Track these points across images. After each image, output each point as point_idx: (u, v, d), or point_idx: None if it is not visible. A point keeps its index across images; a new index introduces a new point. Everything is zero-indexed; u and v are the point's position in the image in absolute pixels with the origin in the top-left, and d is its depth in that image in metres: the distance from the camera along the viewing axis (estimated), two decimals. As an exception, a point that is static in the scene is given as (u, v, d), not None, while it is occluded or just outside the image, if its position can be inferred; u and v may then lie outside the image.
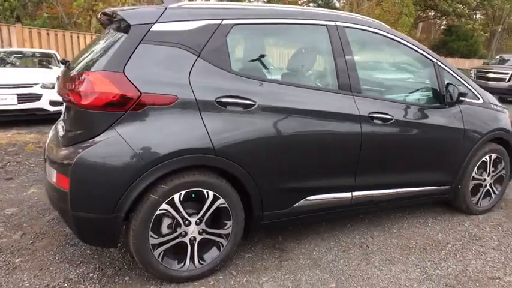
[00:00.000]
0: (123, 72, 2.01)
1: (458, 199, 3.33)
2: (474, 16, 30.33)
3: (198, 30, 2.21)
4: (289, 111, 2.36)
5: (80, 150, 1.98)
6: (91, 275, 2.32)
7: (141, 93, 2.01)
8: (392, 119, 2.70)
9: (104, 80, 1.99)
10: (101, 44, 2.36)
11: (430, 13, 30.94)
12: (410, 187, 2.99)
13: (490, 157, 3.36)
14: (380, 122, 2.66)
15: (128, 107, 2.00)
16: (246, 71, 2.35)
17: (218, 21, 2.26)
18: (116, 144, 1.98)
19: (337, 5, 26.22)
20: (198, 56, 2.17)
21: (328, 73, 2.59)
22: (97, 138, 1.99)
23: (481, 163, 3.32)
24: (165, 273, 2.20)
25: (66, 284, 2.22)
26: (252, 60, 2.45)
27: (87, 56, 2.39)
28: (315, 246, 2.77)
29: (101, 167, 1.98)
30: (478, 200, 3.43)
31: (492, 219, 3.39)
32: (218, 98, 2.16)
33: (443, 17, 30.45)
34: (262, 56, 2.54)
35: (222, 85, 2.20)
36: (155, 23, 2.13)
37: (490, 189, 3.47)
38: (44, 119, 6.69)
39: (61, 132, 2.37)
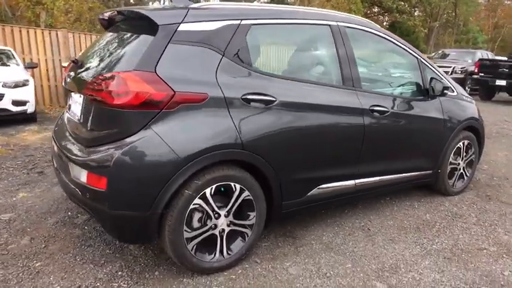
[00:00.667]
0: (155, 72, 2.06)
1: (438, 182, 3.69)
2: (414, 13, 32.28)
3: (221, 30, 2.29)
4: (304, 106, 2.52)
5: (117, 150, 2.00)
6: (120, 273, 2.34)
7: (174, 92, 2.07)
8: (388, 111, 2.96)
9: (139, 79, 2.02)
10: (120, 44, 2.37)
11: (374, 10, 32.48)
12: (402, 173, 3.29)
13: (463, 143, 3.75)
14: (378, 115, 2.90)
15: (162, 106, 2.05)
16: (265, 68, 2.47)
17: (238, 22, 2.36)
18: (153, 142, 2.03)
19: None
20: (223, 55, 2.26)
21: (334, 70, 2.78)
22: (133, 137, 2.03)
23: (456, 149, 3.70)
24: (198, 265, 2.28)
25: (98, 284, 2.23)
26: (269, 58, 2.57)
27: (105, 55, 2.39)
28: (322, 232, 2.97)
29: (139, 165, 2.02)
30: (454, 182, 3.82)
31: (466, 198, 3.80)
32: (244, 95, 2.27)
33: (387, 14, 32.14)
34: (277, 54, 2.67)
35: (245, 83, 2.31)
36: (181, 23, 2.19)
37: (463, 172, 3.88)
38: (7, 120, 6.32)
39: (80, 131, 2.35)
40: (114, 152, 2.01)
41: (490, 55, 15.82)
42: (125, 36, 2.40)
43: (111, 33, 2.64)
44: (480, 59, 13.04)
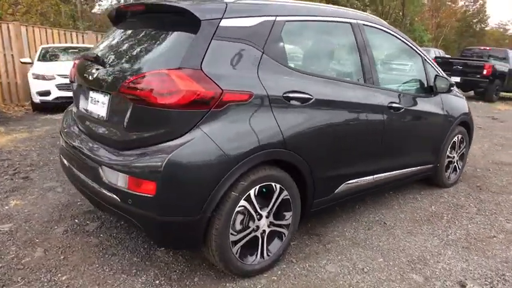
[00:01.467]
0: (201, 69, 1.96)
1: (437, 175, 3.85)
2: (366, 11, 33.51)
3: (258, 27, 2.23)
4: (336, 104, 2.53)
5: (167, 152, 1.89)
6: (157, 281, 2.22)
7: (222, 90, 1.98)
8: (402, 108, 3.04)
9: (187, 77, 1.91)
10: (151, 39, 2.23)
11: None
12: (411, 167, 3.40)
13: (457, 138, 3.95)
14: (393, 111, 2.98)
15: (211, 105, 1.96)
16: (299, 66, 2.44)
17: (273, 18, 2.30)
18: (204, 143, 1.94)
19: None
20: (263, 52, 2.20)
21: (357, 68, 2.81)
22: (183, 139, 1.92)
23: (452, 143, 3.88)
24: (242, 268, 2.22)
25: (138, 294, 2.10)
26: (302, 55, 2.54)
27: (133, 52, 2.24)
28: (343, 228, 3.00)
29: (191, 168, 1.92)
30: (449, 175, 4.01)
31: (461, 190, 4.01)
32: (285, 93, 2.23)
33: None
34: (310, 51, 2.64)
35: (285, 80, 2.27)
36: (222, 18, 2.10)
37: (456, 165, 4.09)
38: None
39: (109, 133, 2.19)
40: (164, 155, 1.89)
41: (441, 53, 16.80)
42: (156, 32, 2.26)
43: (131, 28, 2.48)
44: (436, 57, 13.81)
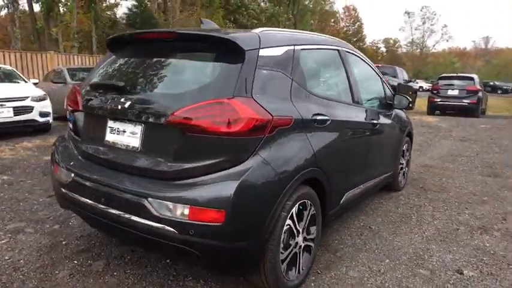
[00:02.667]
0: (253, 97, 2.05)
1: (394, 181, 4.39)
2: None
3: (284, 55, 2.39)
4: (343, 123, 2.81)
5: (235, 179, 1.92)
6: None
7: (272, 116, 2.09)
8: (378, 123, 3.46)
9: (245, 106, 1.98)
10: (190, 68, 2.29)
11: (231, 25, 34.50)
12: (382, 175, 3.84)
13: (405, 146, 4.56)
14: (373, 127, 3.37)
15: (266, 131, 2.05)
16: (315, 90, 2.64)
17: (292, 47, 2.49)
18: (264, 168, 2.01)
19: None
20: (292, 79, 2.37)
21: (347, 89, 3.13)
22: (245, 165, 1.97)
23: (402, 151, 4.47)
24: (287, 285, 2.31)
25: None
26: (312, 80, 2.74)
27: (171, 80, 2.23)
28: (340, 236, 3.26)
29: (256, 192, 1.98)
30: (401, 180, 4.59)
31: (411, 191, 4.61)
32: (312, 116, 2.42)
33: (241, 30, 34.59)
34: (316, 76, 2.86)
35: (309, 104, 2.46)
36: (259, 48, 2.21)
37: (405, 171, 4.70)
38: None
39: (150, 163, 2.11)
40: (231, 182, 1.91)
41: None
42: (193, 60, 2.27)
43: (155, 55, 2.42)
44: None
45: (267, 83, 2.19)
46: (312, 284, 2.51)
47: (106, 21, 22.52)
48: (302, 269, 2.47)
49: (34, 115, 7.39)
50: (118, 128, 2.27)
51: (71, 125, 2.62)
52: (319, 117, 2.48)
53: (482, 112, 14.65)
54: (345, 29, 63.07)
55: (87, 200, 2.26)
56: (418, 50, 70.43)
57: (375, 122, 3.39)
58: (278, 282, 2.24)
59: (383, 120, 3.69)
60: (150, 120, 2.11)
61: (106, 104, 2.30)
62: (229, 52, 2.14)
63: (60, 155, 2.59)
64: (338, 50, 3.13)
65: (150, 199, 2.00)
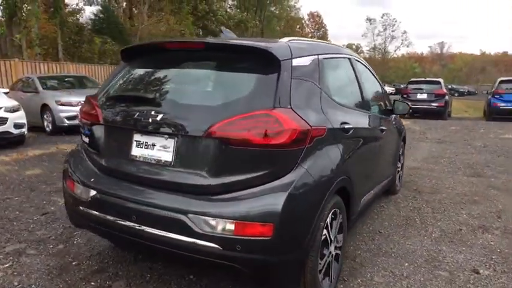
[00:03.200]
0: (291, 108, 2.03)
1: (393, 185, 4.49)
2: (234, 37, 35.57)
3: (312, 65, 2.39)
4: (361, 130, 2.86)
5: (282, 192, 1.89)
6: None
7: (311, 126, 2.08)
8: (385, 129, 3.54)
9: (287, 117, 1.96)
10: (220, 78, 2.22)
11: (200, 32, 34.46)
12: (385, 180, 3.92)
13: (401, 150, 4.69)
14: (381, 132, 3.45)
15: (306, 142, 2.04)
16: (337, 99, 2.65)
17: (316, 56, 2.50)
18: (306, 179, 2.00)
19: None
20: (321, 89, 2.37)
21: (360, 97, 3.18)
22: (290, 177, 1.95)
23: (398, 156, 4.59)
24: (324, 295, 2.30)
25: None
26: (336, 89, 2.75)
27: (203, 91, 2.19)
28: (355, 242, 3.29)
29: (302, 204, 1.97)
30: (397, 183, 4.71)
31: (407, 194, 4.74)
32: (340, 124, 2.43)
33: (210, 36, 34.61)
34: (336, 84, 2.88)
35: (337, 113, 2.47)
36: (292, 58, 2.20)
37: (400, 173, 4.83)
38: None
39: (183, 177, 2.04)
40: (278, 195, 1.88)
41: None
42: (225, 71, 2.22)
43: (187, 67, 2.41)
44: None
45: (302, 93, 2.18)
46: (343, 292, 2.52)
47: (72, 27, 21.71)
48: (333, 277, 2.47)
49: (8, 127, 7.04)
50: (146, 142, 2.19)
51: (86, 139, 2.49)
52: (344, 126, 2.50)
53: (448, 114, 15.34)
54: (310, 34, 64.24)
55: (113, 218, 2.16)
56: (380, 55, 72.99)
57: (382, 127, 3.46)
58: None
59: (387, 125, 3.77)
60: (185, 133, 2.05)
61: (132, 117, 2.21)
62: (264, 62, 2.12)
63: (76, 171, 2.46)
64: (349, 58, 3.18)
65: (190, 215, 1.93)
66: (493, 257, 3.09)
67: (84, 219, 2.37)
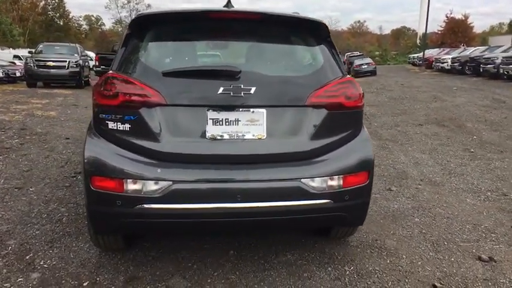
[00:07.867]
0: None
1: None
2: None
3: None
4: None
5: (365, 144, 2.35)
6: None
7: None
8: None
9: (355, 82, 2.34)
10: (293, 50, 2.51)
11: None
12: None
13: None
14: None
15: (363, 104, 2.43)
16: None
17: None
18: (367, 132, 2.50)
19: None
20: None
21: None
22: (364, 131, 2.40)
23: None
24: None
25: None
26: None
27: (282, 63, 2.44)
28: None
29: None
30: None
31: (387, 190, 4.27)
32: None
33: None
34: None
35: None
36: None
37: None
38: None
39: (282, 147, 2.15)
40: (366, 145, 2.35)
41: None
42: (290, 43, 2.47)
43: (240, 37, 2.45)
44: (97, 53, 11.82)
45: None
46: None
47: None
48: None
49: None
50: (227, 118, 2.07)
51: (128, 126, 2.06)
52: None
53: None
54: (43, 2, 54.82)
55: (204, 205, 2.04)
56: (122, 29, 60.86)
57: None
58: None
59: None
60: (281, 104, 2.16)
61: (205, 93, 2.08)
62: (318, 35, 2.37)
63: (119, 166, 2.03)
64: None
65: (303, 180, 2.12)
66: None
67: (139, 219, 2.09)
